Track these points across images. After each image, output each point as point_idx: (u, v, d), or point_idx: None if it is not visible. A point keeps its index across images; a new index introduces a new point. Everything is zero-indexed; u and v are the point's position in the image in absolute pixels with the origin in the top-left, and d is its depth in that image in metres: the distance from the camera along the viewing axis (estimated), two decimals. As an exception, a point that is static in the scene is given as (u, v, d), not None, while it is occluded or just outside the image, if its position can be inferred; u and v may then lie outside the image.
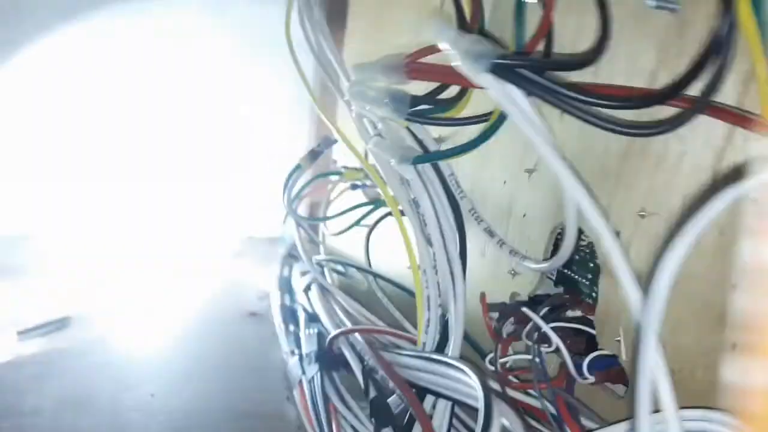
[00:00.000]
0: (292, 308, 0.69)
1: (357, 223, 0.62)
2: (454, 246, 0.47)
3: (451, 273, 0.46)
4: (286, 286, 0.73)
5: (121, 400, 0.56)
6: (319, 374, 0.54)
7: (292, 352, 0.60)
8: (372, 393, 0.45)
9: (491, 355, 0.45)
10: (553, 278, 0.47)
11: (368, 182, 0.73)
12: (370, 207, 0.61)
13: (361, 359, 0.50)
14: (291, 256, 0.82)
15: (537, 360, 0.40)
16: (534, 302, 0.47)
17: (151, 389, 0.58)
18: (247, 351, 0.67)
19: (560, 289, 0.47)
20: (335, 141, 0.71)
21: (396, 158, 0.44)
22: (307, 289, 0.66)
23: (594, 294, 0.42)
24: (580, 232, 0.43)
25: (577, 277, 0.44)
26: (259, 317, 0.75)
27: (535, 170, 0.46)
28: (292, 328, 0.65)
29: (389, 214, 0.61)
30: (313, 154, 0.71)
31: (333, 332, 0.53)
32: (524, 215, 0.47)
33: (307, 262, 0.68)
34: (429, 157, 0.44)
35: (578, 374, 0.39)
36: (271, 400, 0.58)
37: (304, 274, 0.71)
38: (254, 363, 0.65)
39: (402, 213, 0.49)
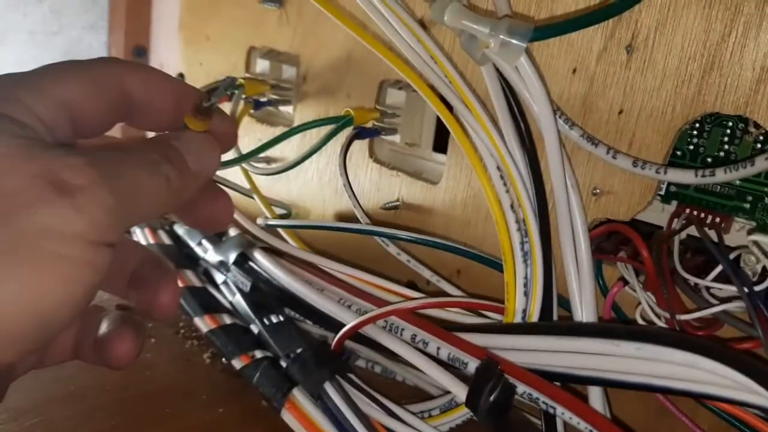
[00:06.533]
0: (204, 291, 0.47)
1: (317, 149, 0.43)
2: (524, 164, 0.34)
3: (568, 201, 0.33)
4: (179, 255, 0.51)
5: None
6: (333, 384, 0.37)
7: (252, 359, 0.41)
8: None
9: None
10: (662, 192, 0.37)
11: (274, 96, 0.53)
12: (334, 125, 0.42)
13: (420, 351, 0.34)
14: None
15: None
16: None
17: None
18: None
19: (672, 206, 0.37)
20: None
21: (504, 31, 0.28)
22: (241, 259, 0.45)
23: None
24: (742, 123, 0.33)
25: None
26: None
27: (637, 49, 0.34)
28: (226, 320, 0.45)
29: (357, 136, 0.44)
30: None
31: (353, 322, 0.36)
32: (621, 112, 0.35)
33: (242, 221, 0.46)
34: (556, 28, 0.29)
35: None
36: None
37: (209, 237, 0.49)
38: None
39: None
